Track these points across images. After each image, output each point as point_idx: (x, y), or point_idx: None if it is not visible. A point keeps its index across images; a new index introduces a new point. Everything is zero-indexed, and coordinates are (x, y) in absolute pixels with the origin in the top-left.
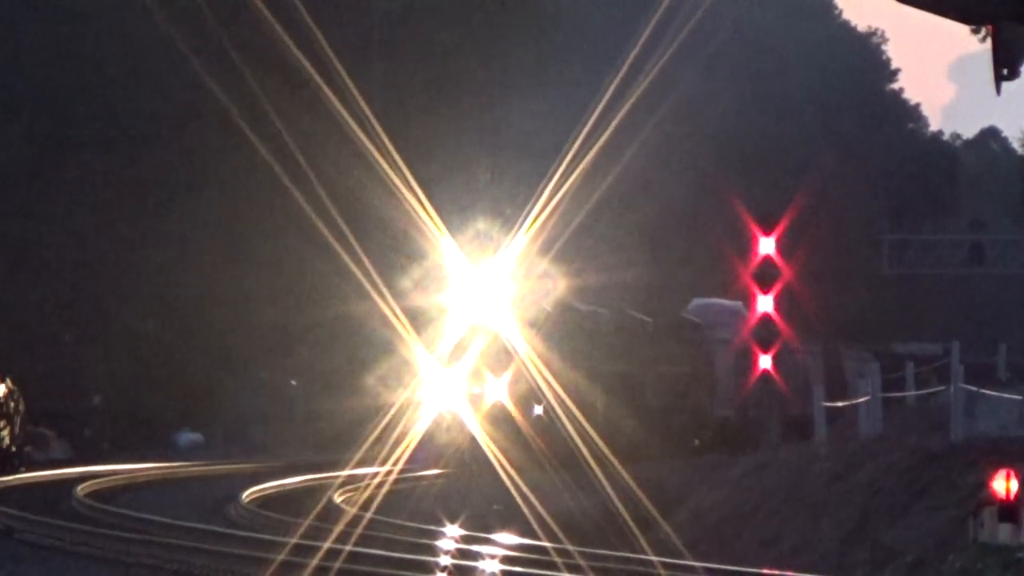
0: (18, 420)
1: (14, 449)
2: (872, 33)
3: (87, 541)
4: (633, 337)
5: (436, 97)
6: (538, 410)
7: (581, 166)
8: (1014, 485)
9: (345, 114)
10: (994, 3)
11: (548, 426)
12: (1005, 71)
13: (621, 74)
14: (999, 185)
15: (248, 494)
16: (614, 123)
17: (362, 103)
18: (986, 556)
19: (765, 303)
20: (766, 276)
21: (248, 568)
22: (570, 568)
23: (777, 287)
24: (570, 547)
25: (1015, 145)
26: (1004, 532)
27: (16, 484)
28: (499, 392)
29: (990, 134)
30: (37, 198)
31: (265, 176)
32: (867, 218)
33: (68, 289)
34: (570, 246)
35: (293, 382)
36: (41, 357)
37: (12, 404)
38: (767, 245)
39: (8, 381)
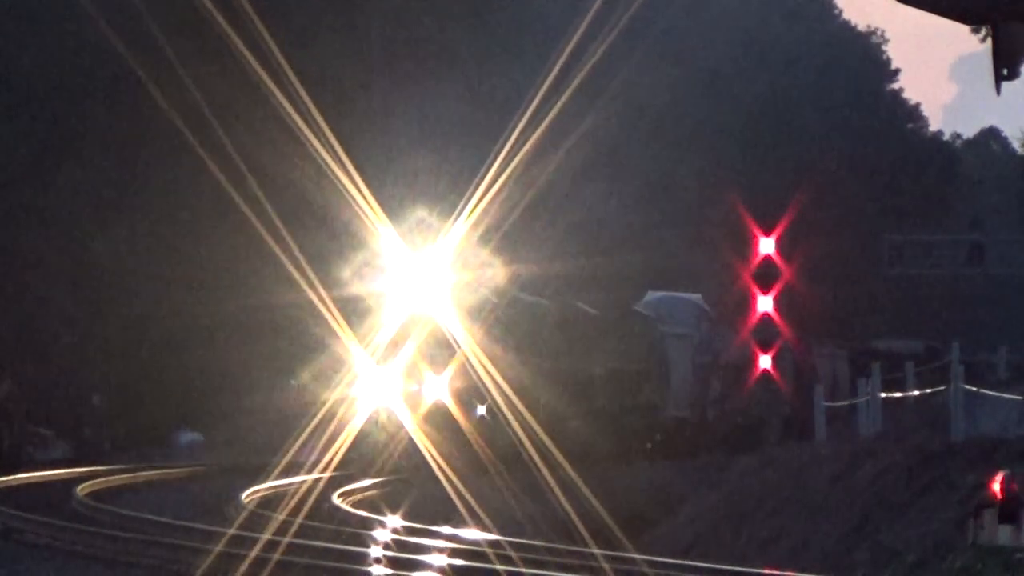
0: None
1: None
2: (872, 33)
3: (87, 541)
4: (579, 331)
5: (374, 81)
6: (481, 410)
7: (523, 151)
8: (1014, 487)
9: (280, 96)
10: (994, 3)
11: (492, 427)
12: (1005, 71)
13: (563, 58)
14: (999, 185)
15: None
16: (556, 107)
17: (298, 87)
18: (986, 557)
19: (765, 303)
20: (766, 276)
21: None
22: None
23: (777, 287)
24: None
25: (1015, 145)
26: (1004, 533)
27: (16, 484)
28: (439, 390)
29: (990, 134)
30: (34, 197)
31: (194, 162)
32: (867, 218)
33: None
34: (514, 234)
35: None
36: (41, 357)
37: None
38: (767, 245)
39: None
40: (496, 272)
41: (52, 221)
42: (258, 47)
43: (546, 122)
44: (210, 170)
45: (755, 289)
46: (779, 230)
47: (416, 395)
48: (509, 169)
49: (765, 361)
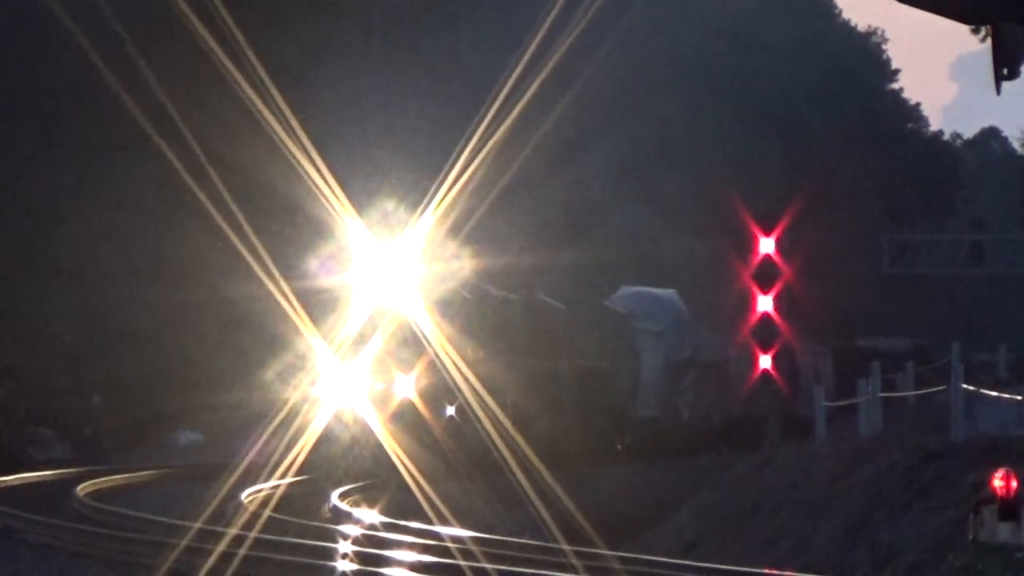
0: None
1: None
2: (872, 33)
3: (87, 541)
4: (544, 327)
5: (342, 71)
6: (450, 410)
7: (492, 140)
8: (1014, 483)
9: (246, 87)
10: (994, 3)
11: (461, 428)
12: (1005, 71)
13: (533, 47)
14: (999, 185)
15: None
16: (527, 97)
17: (264, 78)
18: (986, 555)
19: (765, 303)
20: (766, 276)
21: None
22: None
23: (777, 287)
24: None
25: (1015, 145)
26: (1004, 531)
27: (16, 484)
28: (407, 389)
29: (990, 134)
30: (36, 196)
31: (157, 155)
32: (867, 218)
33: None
34: (484, 226)
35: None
36: (41, 357)
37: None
38: (767, 245)
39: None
40: (464, 265)
41: (14, 214)
42: (223, 37)
43: (515, 112)
44: (171, 161)
45: (755, 289)
46: (779, 230)
47: (383, 394)
48: (478, 160)
49: (765, 361)
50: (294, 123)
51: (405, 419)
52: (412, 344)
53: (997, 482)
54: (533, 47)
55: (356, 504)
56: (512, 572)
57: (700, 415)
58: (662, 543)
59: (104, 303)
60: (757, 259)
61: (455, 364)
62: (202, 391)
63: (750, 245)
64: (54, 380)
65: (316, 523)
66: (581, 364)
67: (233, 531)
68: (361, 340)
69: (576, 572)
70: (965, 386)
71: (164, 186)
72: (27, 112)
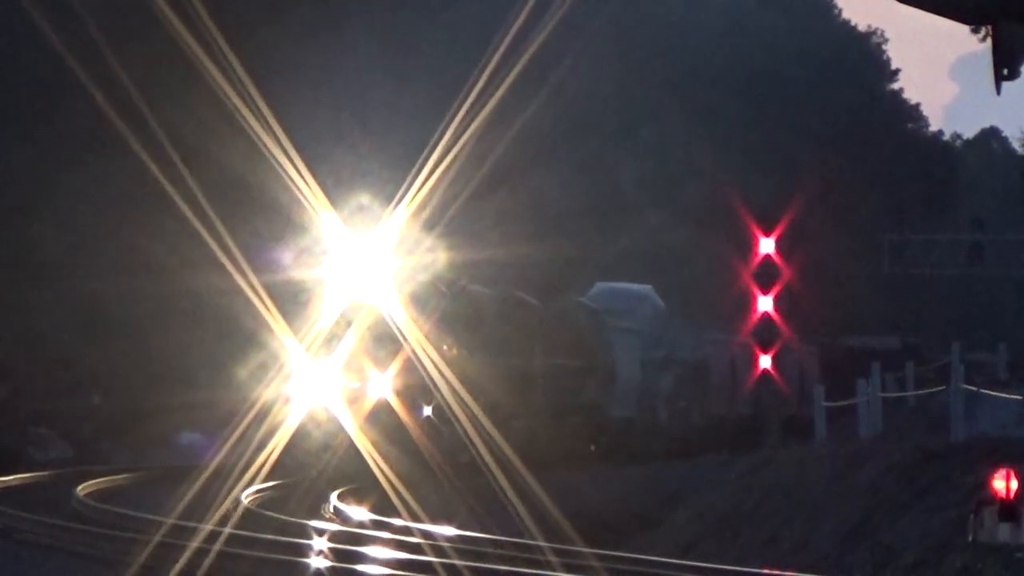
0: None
1: None
2: (872, 33)
3: (87, 541)
4: (518, 324)
5: (316, 64)
6: (427, 411)
7: (468, 132)
8: (1014, 484)
9: (219, 78)
10: (994, 3)
11: (438, 428)
12: (1005, 71)
13: (508, 40)
14: (999, 185)
15: None
16: (502, 89)
17: (237, 68)
18: (986, 556)
19: (765, 303)
20: (766, 276)
21: None
22: None
23: (777, 287)
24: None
25: (1015, 145)
26: (1004, 532)
27: (16, 484)
28: (383, 388)
29: (990, 134)
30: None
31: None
32: (867, 218)
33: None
34: (460, 219)
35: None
36: (41, 357)
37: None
38: (767, 245)
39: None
40: (439, 258)
41: None
42: (197, 31)
43: (491, 104)
44: (143, 156)
45: (755, 289)
46: (779, 230)
47: (357, 392)
48: (453, 153)
49: (765, 361)
50: (268, 116)
51: (381, 420)
52: (388, 341)
53: (997, 483)
54: (508, 40)
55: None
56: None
57: (678, 416)
58: (661, 544)
59: (83, 299)
60: (757, 259)
61: (432, 362)
62: (196, 389)
63: (751, 243)
64: (51, 379)
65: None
66: (555, 362)
67: None
68: (334, 336)
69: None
70: (965, 386)
71: (139, 182)
72: None
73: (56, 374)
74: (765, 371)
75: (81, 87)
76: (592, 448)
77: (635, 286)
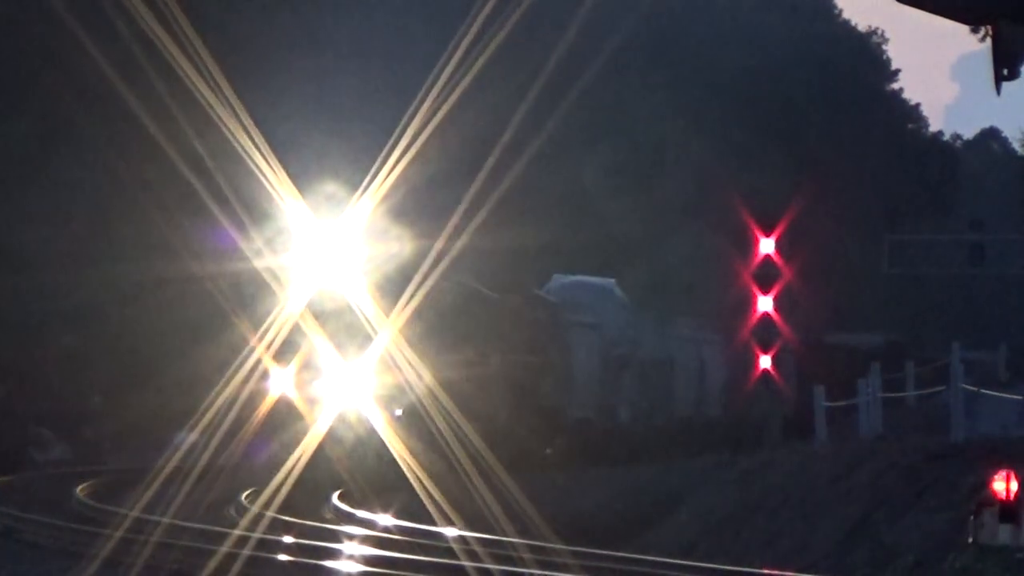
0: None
1: None
2: (872, 33)
3: (87, 541)
4: (473, 317)
5: (281, 51)
6: (398, 412)
7: (434, 120)
8: (1014, 485)
9: (184, 64)
10: (994, 3)
11: (409, 427)
12: (1005, 71)
13: (474, 30)
14: (999, 185)
15: None
16: (470, 75)
17: (205, 57)
18: (986, 557)
19: (765, 303)
20: (766, 276)
21: None
22: None
23: (777, 287)
24: None
25: (1015, 145)
26: (1004, 532)
27: (16, 484)
28: (359, 389)
29: (990, 134)
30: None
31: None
32: (867, 218)
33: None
34: (428, 207)
35: None
36: (41, 357)
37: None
38: (767, 245)
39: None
40: (405, 248)
41: None
42: (160, 13)
43: (458, 92)
44: (109, 141)
45: (755, 289)
46: (779, 230)
47: (327, 391)
48: (423, 137)
49: (765, 361)
50: (234, 102)
51: (348, 418)
52: (355, 336)
53: (997, 485)
54: (476, 26)
55: None
56: None
57: (641, 417)
58: (661, 544)
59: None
60: (757, 259)
61: (406, 361)
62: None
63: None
64: (52, 380)
65: None
66: (510, 359)
67: None
68: (298, 330)
69: None
70: (965, 386)
71: (106, 168)
72: None
73: (56, 374)
74: (765, 371)
75: (51, 78)
76: (548, 451)
77: (596, 279)
